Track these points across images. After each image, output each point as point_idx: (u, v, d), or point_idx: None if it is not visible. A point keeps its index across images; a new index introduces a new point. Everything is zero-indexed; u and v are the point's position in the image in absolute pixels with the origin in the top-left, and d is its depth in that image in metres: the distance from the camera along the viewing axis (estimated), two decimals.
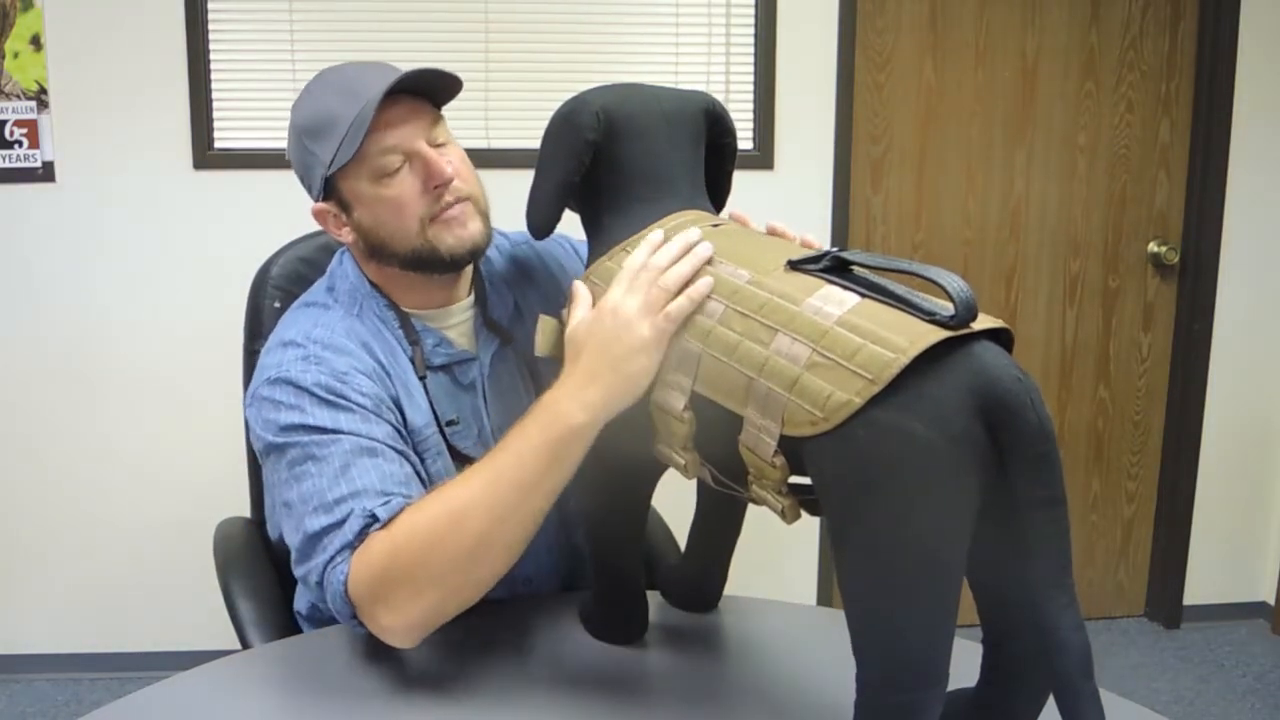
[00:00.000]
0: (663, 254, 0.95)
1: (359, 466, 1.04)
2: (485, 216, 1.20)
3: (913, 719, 0.77)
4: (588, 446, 0.96)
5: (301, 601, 1.31)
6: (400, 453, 1.09)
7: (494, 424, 1.22)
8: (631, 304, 0.94)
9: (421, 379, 1.18)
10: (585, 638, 1.11)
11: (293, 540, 1.06)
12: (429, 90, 1.17)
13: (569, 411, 0.95)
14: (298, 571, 1.06)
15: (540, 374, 1.25)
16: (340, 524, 1.01)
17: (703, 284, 0.92)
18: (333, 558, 1.00)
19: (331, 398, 1.08)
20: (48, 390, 2.56)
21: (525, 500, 0.96)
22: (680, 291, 0.93)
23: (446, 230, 1.16)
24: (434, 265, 1.17)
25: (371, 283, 1.22)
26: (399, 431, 1.12)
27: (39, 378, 2.56)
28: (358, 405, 1.09)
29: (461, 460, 1.16)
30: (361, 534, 1.00)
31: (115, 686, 2.56)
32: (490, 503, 0.96)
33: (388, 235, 1.16)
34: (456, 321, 1.24)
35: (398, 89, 1.12)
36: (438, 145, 1.17)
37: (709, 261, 0.94)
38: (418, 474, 1.10)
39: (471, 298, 1.26)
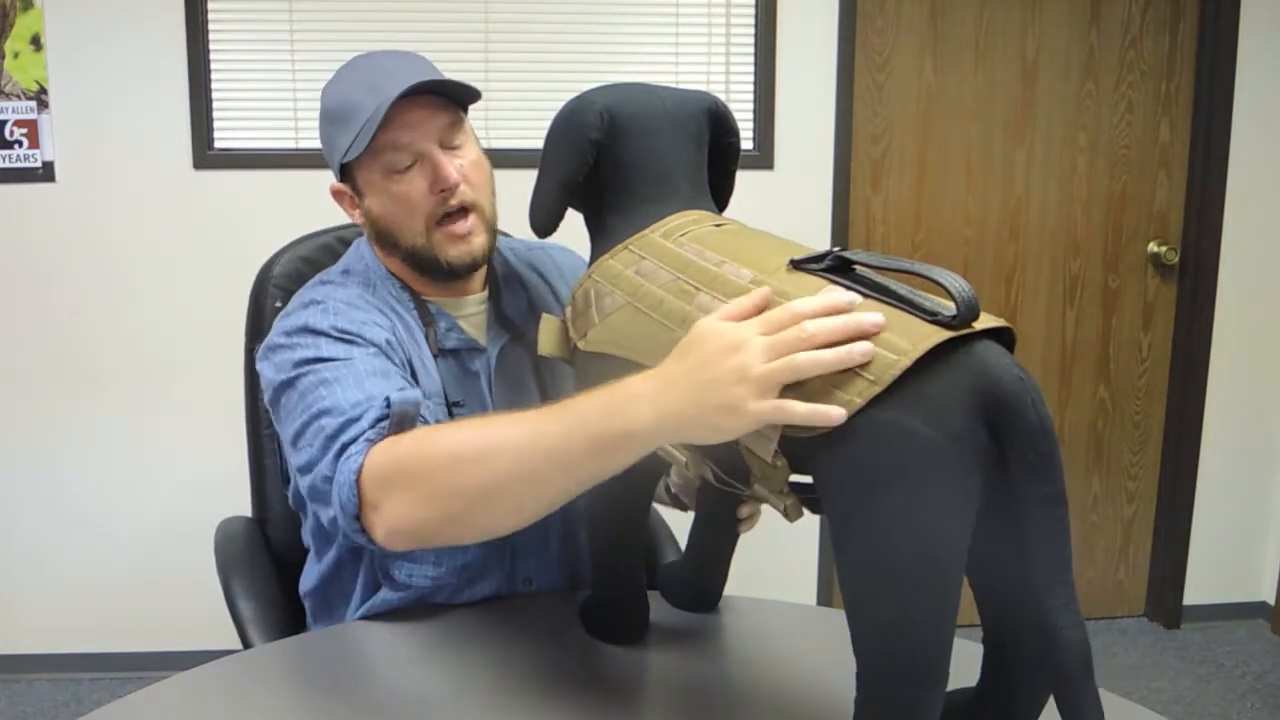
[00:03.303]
0: (825, 325, 0.79)
1: (372, 382, 1.06)
2: (491, 230, 1.22)
3: (913, 719, 0.77)
4: (638, 458, 0.87)
5: (308, 579, 1.30)
6: (410, 385, 1.11)
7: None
8: (755, 353, 0.80)
9: (435, 357, 1.21)
10: (585, 638, 1.11)
11: (304, 456, 1.05)
12: (453, 91, 1.19)
13: (639, 413, 0.84)
14: (307, 481, 1.05)
15: (547, 370, 1.27)
16: (357, 420, 1.02)
17: (858, 350, 0.77)
18: (345, 447, 1.00)
19: (345, 336, 1.12)
20: (48, 390, 2.56)
21: (556, 474, 0.90)
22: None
23: (450, 242, 1.19)
24: (433, 270, 1.21)
25: (386, 268, 1.25)
26: (407, 382, 1.13)
27: (39, 377, 2.56)
28: (372, 344, 1.12)
29: None
30: (377, 424, 1.00)
31: (115, 686, 2.56)
32: (519, 456, 0.90)
33: (394, 227, 1.20)
34: (470, 313, 1.27)
35: (433, 89, 1.16)
36: (454, 147, 1.19)
37: (715, 264, 0.94)
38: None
39: (486, 292, 1.29)
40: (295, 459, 1.09)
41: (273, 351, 1.15)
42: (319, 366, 1.09)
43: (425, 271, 1.21)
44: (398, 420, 1.01)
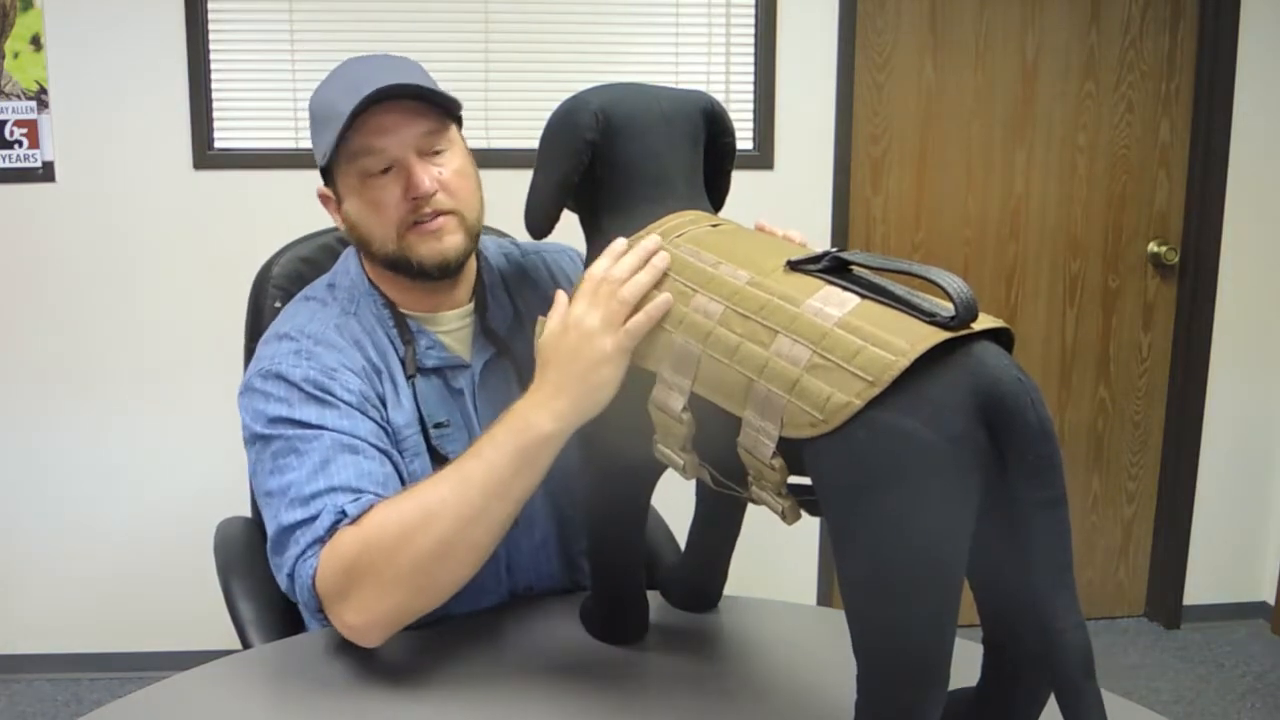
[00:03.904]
0: (622, 266, 0.97)
1: (338, 463, 1.06)
2: (470, 232, 1.19)
3: (914, 719, 0.77)
4: (555, 454, 0.99)
5: None
6: (383, 451, 1.11)
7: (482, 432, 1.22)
8: (593, 318, 0.96)
9: (410, 379, 1.18)
10: (585, 638, 1.11)
11: (268, 528, 1.08)
12: (430, 98, 1.15)
13: (538, 421, 0.97)
14: (272, 562, 1.08)
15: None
16: (313, 520, 1.03)
17: (661, 300, 0.93)
18: (304, 551, 1.03)
19: (318, 393, 1.10)
20: (47, 390, 2.56)
21: (493, 505, 0.98)
22: (641, 303, 0.95)
23: (420, 240, 1.16)
24: (407, 272, 1.18)
25: (371, 281, 1.23)
26: (383, 429, 1.13)
27: (38, 377, 2.56)
28: (343, 402, 1.11)
29: (441, 463, 1.15)
30: (332, 529, 1.01)
31: (115, 686, 2.56)
32: (459, 505, 0.97)
33: (368, 233, 1.18)
34: (454, 327, 1.24)
35: (403, 94, 1.12)
36: (435, 153, 1.16)
37: (712, 265, 0.94)
38: (399, 471, 1.12)
39: (471, 304, 1.26)
40: (264, 515, 1.10)
41: (249, 394, 1.14)
42: (289, 432, 1.08)
43: (400, 274, 1.19)
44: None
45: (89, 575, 2.63)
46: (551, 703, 0.99)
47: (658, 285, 0.96)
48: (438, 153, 1.17)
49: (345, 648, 1.07)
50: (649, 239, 0.98)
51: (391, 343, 1.19)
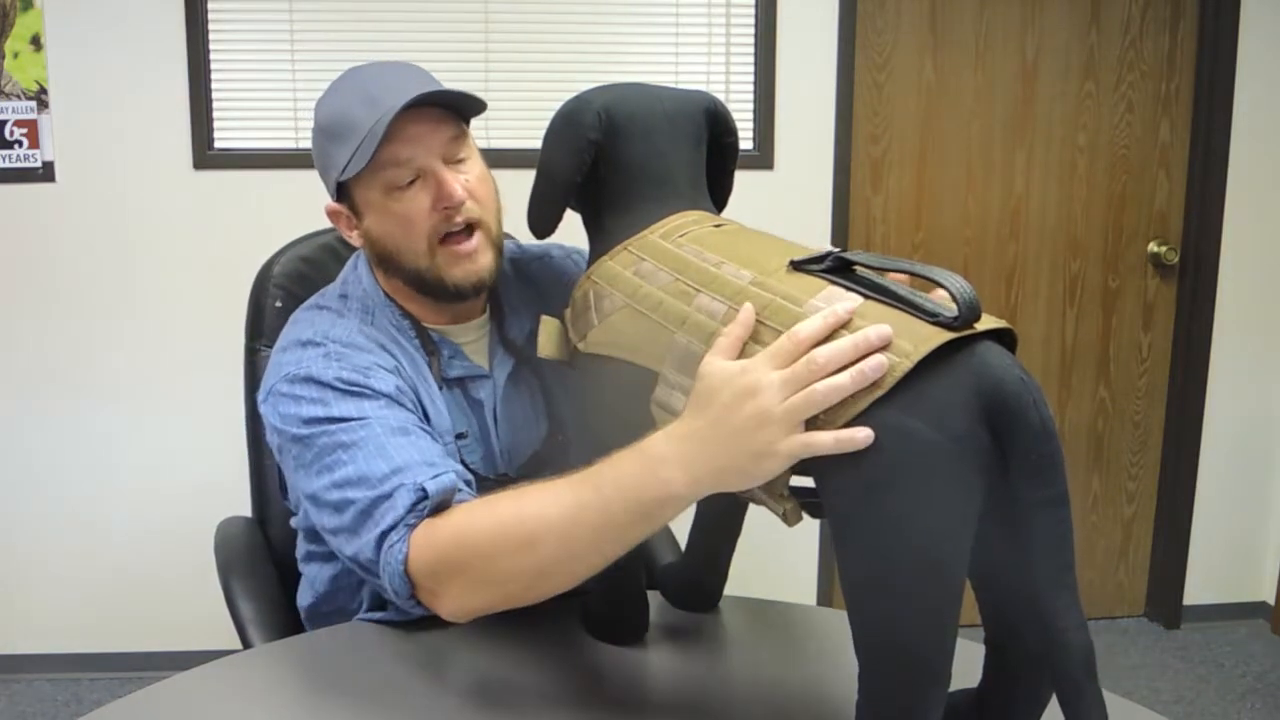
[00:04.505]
0: (839, 351, 0.79)
1: (394, 444, 1.02)
2: (497, 247, 1.17)
3: (915, 719, 0.77)
4: (682, 510, 0.88)
5: (305, 597, 1.30)
6: (429, 434, 1.08)
7: (502, 445, 1.20)
8: (776, 400, 0.80)
9: (441, 389, 1.16)
10: (585, 638, 1.11)
11: (334, 522, 1.04)
12: (455, 103, 1.14)
13: (671, 478, 0.84)
14: (346, 550, 1.03)
15: (555, 396, 1.22)
16: (389, 496, 0.99)
17: (871, 366, 0.77)
18: (386, 533, 0.98)
19: (354, 388, 1.07)
20: (48, 390, 2.56)
21: (600, 545, 0.90)
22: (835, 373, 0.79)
23: (455, 263, 1.13)
24: (438, 292, 1.15)
25: (385, 292, 1.20)
26: (423, 421, 1.11)
27: (39, 377, 2.56)
28: (382, 394, 1.07)
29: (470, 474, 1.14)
30: (413, 509, 0.98)
31: (115, 686, 2.56)
32: (566, 537, 0.90)
33: (395, 249, 1.14)
34: (472, 338, 1.22)
35: (439, 101, 1.10)
36: (458, 160, 1.14)
37: (715, 265, 0.94)
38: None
39: (487, 314, 1.24)
40: (321, 519, 1.06)
41: (276, 399, 1.10)
42: (332, 427, 1.04)
43: (428, 294, 1.16)
44: (434, 506, 0.99)
45: (89, 575, 2.62)
46: (551, 703, 0.99)
47: (670, 292, 0.93)
48: (460, 160, 1.14)
49: (345, 648, 1.07)
50: (878, 329, 0.78)
51: (417, 351, 1.17)
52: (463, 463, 1.15)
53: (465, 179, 1.13)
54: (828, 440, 0.77)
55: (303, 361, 1.10)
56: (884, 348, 0.77)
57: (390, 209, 1.12)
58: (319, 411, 1.06)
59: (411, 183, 1.11)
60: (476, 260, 1.14)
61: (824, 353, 0.78)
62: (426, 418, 1.13)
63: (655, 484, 0.85)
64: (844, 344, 0.78)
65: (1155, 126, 2.81)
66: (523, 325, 1.24)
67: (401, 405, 1.08)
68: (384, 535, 0.99)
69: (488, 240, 1.15)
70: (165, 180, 2.52)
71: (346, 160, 1.11)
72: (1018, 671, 0.85)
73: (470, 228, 1.14)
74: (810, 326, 0.80)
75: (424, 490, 0.98)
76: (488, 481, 1.13)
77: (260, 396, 1.14)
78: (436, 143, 1.11)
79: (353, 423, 1.04)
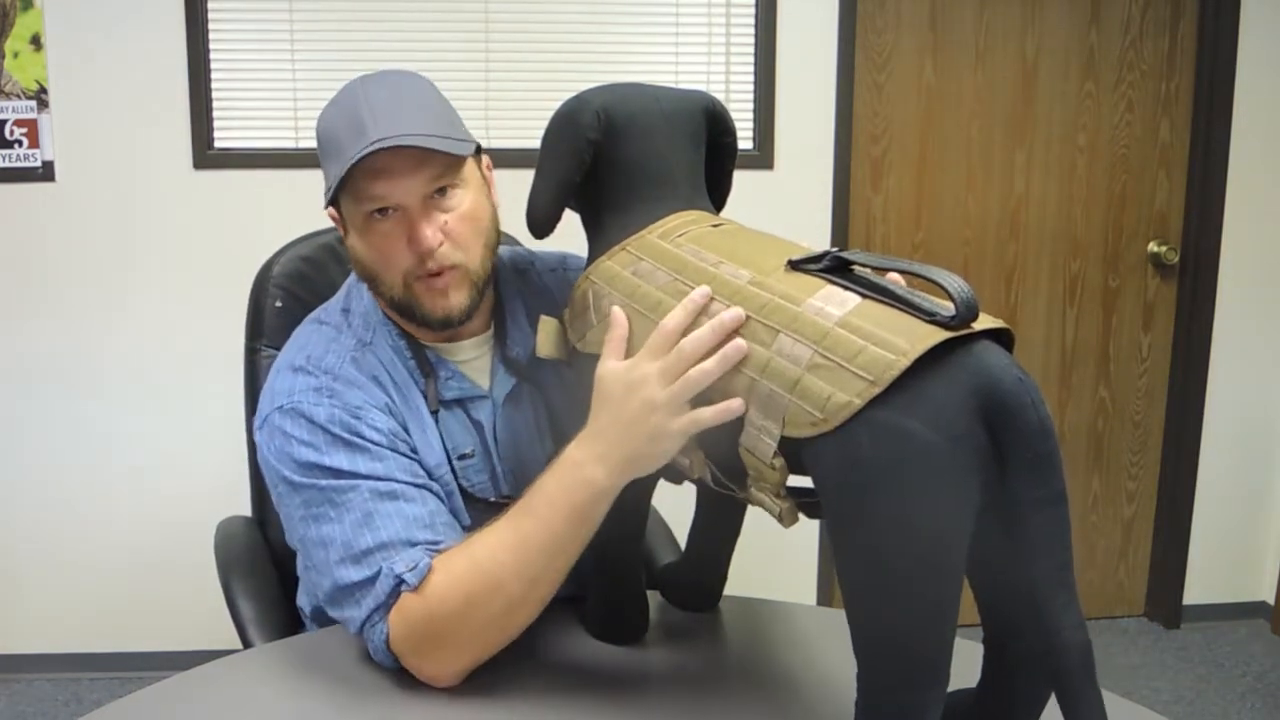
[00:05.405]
0: (698, 341, 0.90)
1: (381, 514, 1.03)
2: (475, 285, 1.13)
3: (914, 719, 0.77)
4: (610, 503, 0.97)
5: (304, 599, 1.30)
6: (420, 487, 1.08)
7: (504, 466, 1.19)
8: (657, 390, 0.91)
9: (434, 413, 1.15)
10: (585, 638, 1.11)
11: (320, 583, 1.06)
12: (445, 148, 1.07)
13: (593, 476, 0.96)
14: (332, 613, 1.07)
15: (558, 414, 1.20)
16: (371, 581, 1.01)
17: (731, 349, 0.87)
18: (369, 616, 1.02)
19: (347, 436, 1.06)
20: (48, 390, 2.56)
21: (553, 560, 0.99)
22: (704, 356, 0.89)
23: (428, 295, 1.11)
24: (413, 319, 1.14)
25: (384, 311, 1.18)
26: (416, 463, 1.10)
27: (38, 377, 2.56)
28: (373, 443, 1.07)
29: (470, 500, 1.14)
30: (393, 593, 1.01)
31: (115, 686, 2.56)
32: (520, 568, 0.98)
33: (374, 273, 1.13)
34: (473, 356, 1.20)
35: (407, 146, 1.05)
36: (444, 194, 1.09)
37: (713, 265, 0.94)
38: (439, 498, 1.09)
39: (490, 331, 1.22)
40: (306, 558, 1.09)
41: (270, 431, 1.10)
42: (322, 484, 1.05)
43: (406, 319, 1.15)
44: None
45: (89, 575, 2.62)
46: (551, 703, 0.99)
47: (668, 292, 0.94)
48: (447, 192, 1.10)
49: (345, 648, 1.07)
50: (731, 312, 0.88)
51: (411, 375, 1.15)
52: (462, 489, 1.14)
53: (445, 219, 1.09)
54: (710, 414, 0.88)
55: (294, 392, 1.10)
56: (738, 328, 0.87)
57: (368, 237, 1.10)
58: (311, 456, 1.06)
59: (389, 216, 1.09)
60: (449, 297, 1.11)
61: (689, 342, 0.90)
62: (416, 450, 1.12)
63: (581, 486, 0.96)
64: (703, 331, 0.89)
65: (1155, 126, 2.81)
66: (526, 343, 1.21)
67: (394, 451, 1.08)
68: (367, 618, 1.02)
69: (464, 279, 1.12)
70: (165, 180, 2.52)
71: (332, 181, 1.09)
72: (1017, 671, 0.85)
73: (443, 271, 1.10)
74: (673, 319, 0.91)
75: (402, 580, 1.00)
76: (491, 506, 1.12)
77: (256, 423, 1.13)
78: (417, 182, 1.07)
79: (342, 480, 1.05)
